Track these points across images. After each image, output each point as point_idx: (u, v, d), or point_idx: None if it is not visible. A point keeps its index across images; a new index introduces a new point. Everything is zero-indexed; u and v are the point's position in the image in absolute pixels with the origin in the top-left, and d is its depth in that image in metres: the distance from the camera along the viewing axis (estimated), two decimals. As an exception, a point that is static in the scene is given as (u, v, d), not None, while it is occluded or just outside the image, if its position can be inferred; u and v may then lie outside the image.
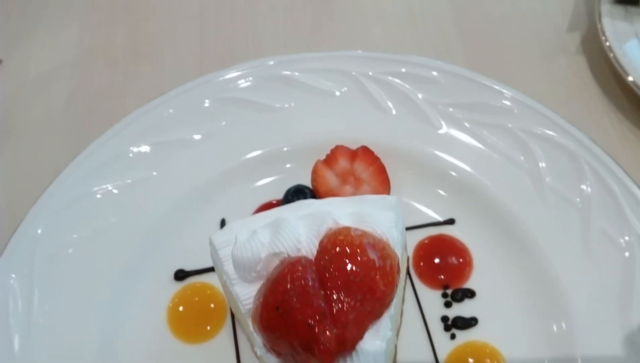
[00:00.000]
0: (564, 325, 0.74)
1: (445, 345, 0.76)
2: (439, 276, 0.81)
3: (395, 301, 0.63)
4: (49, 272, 0.78)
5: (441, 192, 0.87)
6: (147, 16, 1.15)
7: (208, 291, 0.81)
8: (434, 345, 0.76)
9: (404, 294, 0.79)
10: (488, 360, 0.74)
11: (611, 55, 0.97)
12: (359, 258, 0.58)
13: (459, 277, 0.80)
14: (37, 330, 0.75)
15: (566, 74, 1.04)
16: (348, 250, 0.58)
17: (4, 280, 0.77)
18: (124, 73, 1.08)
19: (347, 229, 0.60)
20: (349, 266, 0.57)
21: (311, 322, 0.53)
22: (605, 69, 1.02)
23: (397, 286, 0.61)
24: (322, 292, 0.56)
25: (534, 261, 0.79)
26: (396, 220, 0.66)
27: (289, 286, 0.56)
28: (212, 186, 0.88)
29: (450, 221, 0.85)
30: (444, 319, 0.78)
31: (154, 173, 0.86)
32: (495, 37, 1.09)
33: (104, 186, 0.84)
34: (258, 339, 0.60)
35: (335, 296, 0.55)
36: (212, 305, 0.81)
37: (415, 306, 0.79)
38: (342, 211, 0.66)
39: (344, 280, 0.56)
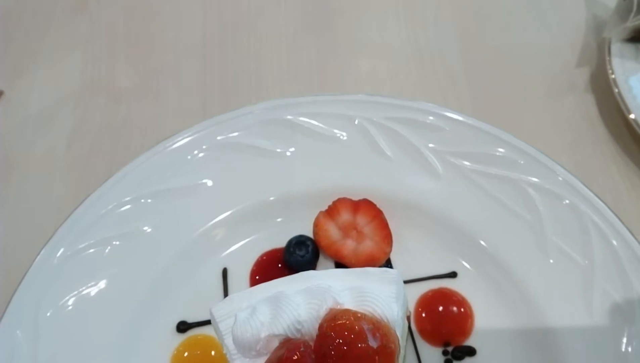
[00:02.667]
0: (563, 387, 0.75)
1: (445, 405, 0.77)
2: (440, 332, 0.81)
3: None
4: (52, 326, 0.79)
5: (443, 244, 0.86)
6: (149, 50, 1.14)
7: (210, 343, 0.82)
8: (435, 406, 0.77)
9: (405, 352, 0.79)
10: (487, 423, 0.75)
11: (616, 90, 0.95)
12: (358, 345, 0.58)
13: (460, 334, 0.81)
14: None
15: (574, 114, 1.02)
16: (347, 338, 0.58)
17: (10, 335, 0.78)
18: (127, 108, 1.07)
19: (347, 313, 0.61)
20: (347, 356, 0.57)
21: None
22: (612, 109, 1.01)
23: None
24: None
25: (534, 320, 0.79)
26: (397, 294, 0.66)
27: (287, 372, 0.56)
28: (213, 234, 0.88)
29: (452, 275, 0.85)
30: (445, 378, 0.78)
31: (155, 223, 0.86)
32: (503, 73, 1.07)
33: (105, 239, 0.84)
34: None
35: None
36: (212, 353, 0.81)
37: (416, 364, 0.79)
38: (342, 285, 0.66)
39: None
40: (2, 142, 1.04)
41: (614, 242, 0.80)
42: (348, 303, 0.63)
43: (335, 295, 0.64)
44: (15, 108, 1.08)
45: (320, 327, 0.60)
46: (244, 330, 0.62)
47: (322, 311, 0.62)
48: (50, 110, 1.07)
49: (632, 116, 0.94)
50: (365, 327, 0.59)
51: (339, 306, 0.62)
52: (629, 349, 0.74)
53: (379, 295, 0.64)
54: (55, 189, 0.98)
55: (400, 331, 0.65)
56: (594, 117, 1.02)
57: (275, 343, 0.62)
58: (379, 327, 0.60)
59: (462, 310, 0.82)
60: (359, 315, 0.61)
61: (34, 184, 0.99)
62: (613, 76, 0.97)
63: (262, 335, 0.62)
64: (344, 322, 0.59)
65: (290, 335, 0.61)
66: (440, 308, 0.82)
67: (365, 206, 0.85)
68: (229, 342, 0.65)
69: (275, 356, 0.59)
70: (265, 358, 0.62)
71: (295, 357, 0.57)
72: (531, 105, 1.04)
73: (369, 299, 0.63)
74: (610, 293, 0.78)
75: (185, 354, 0.82)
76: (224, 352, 0.67)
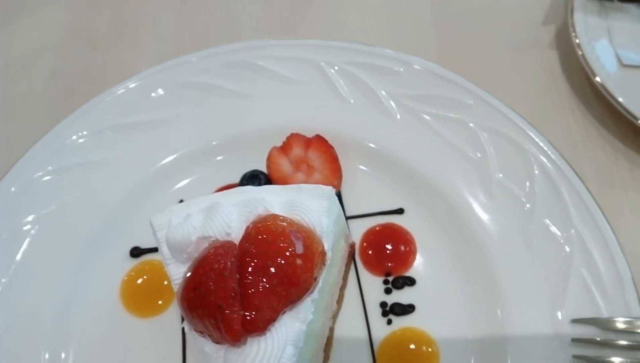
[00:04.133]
0: (498, 316, 0.76)
1: (381, 329, 0.79)
2: (382, 263, 0.83)
3: (322, 285, 0.66)
4: (11, 245, 0.83)
5: (393, 182, 0.88)
6: (128, 2, 1.17)
7: (161, 268, 0.85)
8: (370, 330, 0.78)
9: (346, 279, 0.82)
10: (423, 347, 0.77)
11: (580, 53, 0.96)
12: (280, 244, 0.60)
13: (402, 265, 0.83)
14: (-2, 297, 0.80)
15: (537, 68, 1.03)
16: (270, 237, 0.60)
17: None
18: (104, 54, 1.11)
19: (273, 216, 0.63)
20: (268, 252, 0.60)
21: (221, 303, 0.57)
22: (575, 65, 1.02)
23: (319, 273, 0.64)
24: (238, 275, 0.59)
25: (475, 254, 0.81)
26: (329, 209, 0.68)
27: (208, 269, 0.59)
28: (173, 168, 0.91)
29: (399, 211, 0.87)
30: (383, 305, 0.80)
31: (116, 154, 0.90)
32: (471, 28, 1.09)
33: (65, 166, 0.88)
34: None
35: (250, 280, 0.58)
36: (165, 283, 0.84)
37: (357, 292, 0.81)
38: (276, 199, 0.68)
39: (261, 265, 0.59)
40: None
41: (557, 180, 0.81)
42: (278, 212, 0.66)
43: (267, 205, 0.66)
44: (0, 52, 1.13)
45: (247, 228, 0.63)
46: (176, 232, 0.65)
47: (252, 217, 0.64)
48: (32, 55, 1.12)
49: (597, 79, 0.94)
50: (289, 229, 0.61)
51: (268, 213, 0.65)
52: (564, 279, 0.76)
53: (309, 208, 0.66)
54: (30, 125, 1.02)
55: (329, 244, 0.67)
56: (556, 72, 1.03)
57: (205, 246, 0.64)
58: (302, 232, 0.62)
59: (405, 243, 0.84)
60: (285, 219, 0.63)
61: (12, 119, 1.03)
62: (577, 41, 0.97)
63: (193, 238, 0.64)
64: (268, 223, 0.62)
65: (219, 238, 0.64)
66: (385, 242, 0.85)
67: (317, 142, 0.87)
68: (164, 249, 0.68)
69: (201, 255, 0.62)
70: (195, 260, 0.64)
71: (218, 255, 0.60)
72: (496, 58, 1.05)
73: (298, 209, 0.66)
74: (550, 227, 0.79)
75: (139, 281, 0.85)
76: (161, 259, 0.70)
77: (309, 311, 0.64)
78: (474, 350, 0.76)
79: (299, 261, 0.60)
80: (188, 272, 0.62)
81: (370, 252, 0.84)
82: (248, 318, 0.57)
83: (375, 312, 0.80)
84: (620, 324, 0.71)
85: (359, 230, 0.86)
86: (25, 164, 0.88)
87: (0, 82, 1.09)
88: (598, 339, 0.71)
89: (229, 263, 0.59)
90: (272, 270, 0.59)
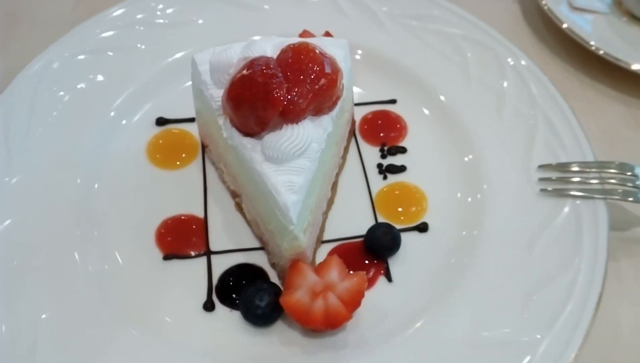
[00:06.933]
0: (476, 173, 0.91)
1: (378, 183, 0.92)
2: (378, 136, 0.97)
3: (338, 113, 0.79)
4: (47, 110, 0.93)
5: (387, 79, 1.04)
6: None
7: (183, 136, 0.96)
8: (369, 182, 0.91)
9: (348, 146, 0.95)
10: (412, 194, 0.90)
11: (543, 3, 1.16)
12: (311, 56, 0.73)
13: (395, 138, 0.97)
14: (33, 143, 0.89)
15: (502, 18, 1.24)
16: (304, 51, 0.74)
17: (8, 105, 0.91)
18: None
19: (304, 42, 0.76)
20: (302, 60, 0.73)
21: (268, 81, 0.69)
22: (534, 11, 1.23)
23: (339, 90, 0.77)
24: (279, 69, 0.71)
25: (457, 129, 0.96)
26: (344, 57, 0.83)
27: (253, 66, 0.71)
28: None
29: (393, 101, 1.02)
30: (379, 166, 0.93)
31: (147, 43, 1.03)
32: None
33: (102, 47, 1.01)
34: (226, 122, 0.75)
35: (289, 73, 0.71)
36: (183, 155, 0.94)
37: (357, 157, 0.95)
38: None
39: (298, 68, 0.72)
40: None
41: (524, 72, 0.99)
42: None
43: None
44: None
45: (282, 49, 0.75)
46: (219, 56, 0.77)
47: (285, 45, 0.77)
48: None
49: (565, 25, 1.13)
50: (319, 50, 0.75)
51: (298, 44, 0.78)
52: (530, 141, 0.92)
53: (330, 50, 0.80)
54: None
55: (345, 82, 0.81)
56: (518, 19, 1.23)
57: (246, 64, 0.76)
58: (329, 56, 0.76)
59: (398, 123, 0.99)
60: (314, 44, 0.76)
61: (45, 39, 1.12)
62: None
63: (235, 60, 0.77)
64: (301, 44, 0.75)
65: (258, 57, 0.76)
66: (381, 120, 0.99)
67: (325, 37, 1.02)
68: (206, 77, 0.80)
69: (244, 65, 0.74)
70: (235, 82, 0.76)
71: (261, 58, 0.73)
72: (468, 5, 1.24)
73: (322, 49, 0.79)
74: (518, 107, 0.96)
75: (163, 141, 0.95)
76: (201, 88, 0.81)
77: (330, 124, 0.77)
78: (455, 191, 0.90)
79: (327, 72, 0.73)
80: (234, 76, 0.73)
81: (369, 128, 0.98)
82: (289, 98, 0.69)
83: (373, 171, 0.93)
84: (575, 166, 0.87)
85: (358, 115, 1.00)
86: (64, 43, 0.99)
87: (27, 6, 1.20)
88: (556, 177, 0.87)
89: (271, 63, 0.72)
90: (306, 72, 0.72)
